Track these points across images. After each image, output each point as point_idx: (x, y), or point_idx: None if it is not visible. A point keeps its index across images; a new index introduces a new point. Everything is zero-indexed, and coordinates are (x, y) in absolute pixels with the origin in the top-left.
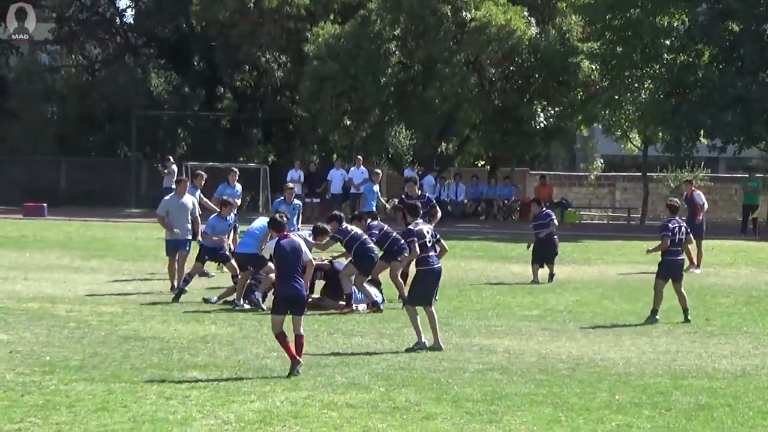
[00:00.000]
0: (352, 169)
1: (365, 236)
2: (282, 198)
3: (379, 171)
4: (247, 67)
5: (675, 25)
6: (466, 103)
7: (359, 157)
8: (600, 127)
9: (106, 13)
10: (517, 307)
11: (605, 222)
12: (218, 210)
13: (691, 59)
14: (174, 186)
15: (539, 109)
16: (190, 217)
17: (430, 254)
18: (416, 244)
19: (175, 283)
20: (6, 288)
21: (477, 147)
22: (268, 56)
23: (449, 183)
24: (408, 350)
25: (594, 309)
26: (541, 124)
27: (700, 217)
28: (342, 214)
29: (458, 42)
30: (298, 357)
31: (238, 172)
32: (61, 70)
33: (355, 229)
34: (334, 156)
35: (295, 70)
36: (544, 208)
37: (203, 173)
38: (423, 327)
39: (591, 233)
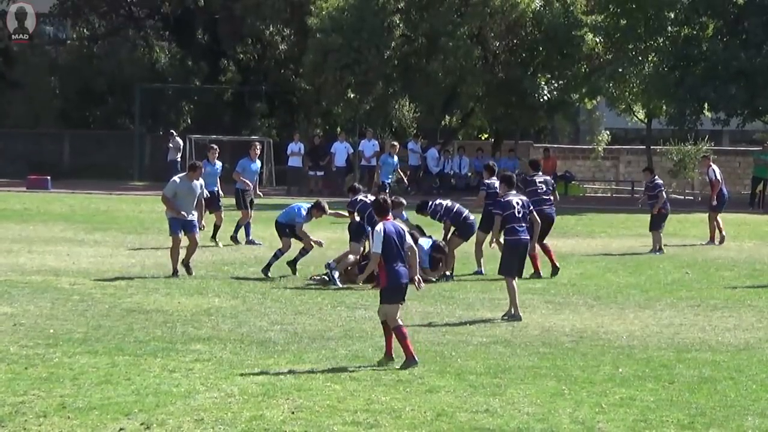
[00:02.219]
0: (363, 141)
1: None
2: (247, 157)
3: (396, 144)
4: (251, 39)
5: None
6: (469, 76)
7: (370, 129)
8: (604, 100)
9: None
10: (520, 280)
11: (609, 195)
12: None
13: (695, 32)
14: (178, 159)
15: (543, 82)
16: (195, 201)
17: (517, 224)
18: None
19: (177, 267)
20: (10, 261)
21: (481, 120)
22: (271, 29)
23: (453, 156)
24: (503, 318)
25: (597, 282)
26: (545, 97)
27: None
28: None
29: (462, 15)
30: (391, 353)
31: (260, 147)
32: (65, 42)
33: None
34: (338, 129)
35: (298, 43)
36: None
37: (215, 146)
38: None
39: (595, 206)
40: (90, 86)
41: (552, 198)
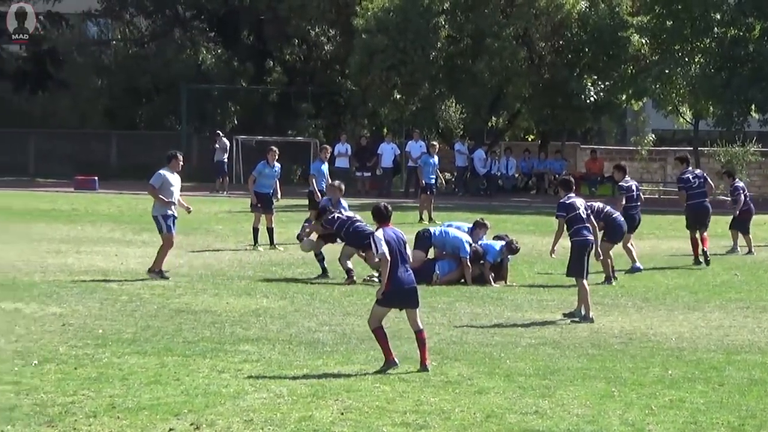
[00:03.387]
0: (409, 142)
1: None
2: (265, 160)
3: (436, 143)
4: (297, 40)
5: None
6: (515, 77)
7: (416, 130)
8: (650, 101)
9: None
10: (568, 282)
11: (656, 196)
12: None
13: (741, 33)
14: (225, 159)
15: (589, 83)
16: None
17: (583, 226)
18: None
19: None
20: (58, 261)
21: (527, 121)
22: (317, 30)
23: (500, 157)
24: (571, 319)
25: (646, 284)
26: (591, 99)
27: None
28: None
29: (507, 15)
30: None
31: (277, 152)
32: (111, 42)
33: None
34: (385, 130)
35: (344, 43)
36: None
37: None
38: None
39: (642, 207)
40: (136, 86)
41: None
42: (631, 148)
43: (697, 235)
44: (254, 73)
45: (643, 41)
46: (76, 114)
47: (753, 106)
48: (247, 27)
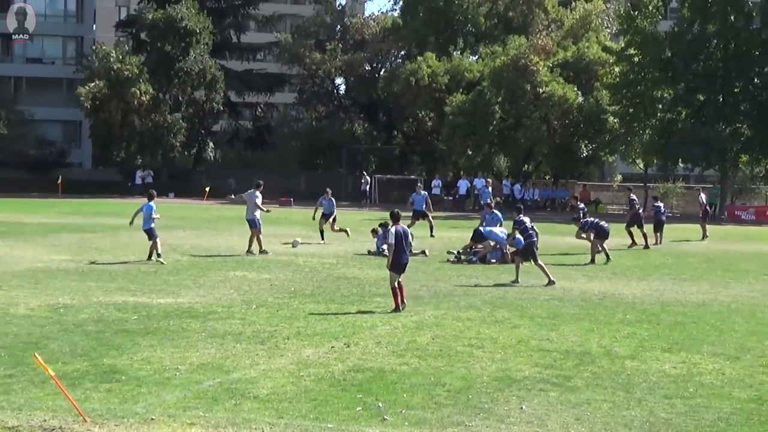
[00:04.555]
0: (476, 180)
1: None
2: (324, 195)
3: (490, 180)
4: (411, 119)
5: (664, 96)
6: (539, 142)
7: (480, 171)
8: (619, 156)
9: (328, 87)
10: (568, 262)
11: (622, 213)
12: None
13: (674, 116)
14: (367, 189)
15: (583, 146)
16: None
17: (530, 233)
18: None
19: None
20: (268, 247)
21: (546, 167)
22: (422, 113)
23: (529, 188)
24: (545, 286)
25: (614, 264)
26: (584, 154)
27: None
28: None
29: (535, 105)
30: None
31: (330, 192)
32: (302, 120)
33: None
34: (461, 172)
35: (438, 121)
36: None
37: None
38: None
39: (613, 219)
40: (316, 146)
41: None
42: (606, 183)
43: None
44: (385, 138)
45: (615, 120)
46: (281, 162)
47: (680, 160)
48: (382, 111)
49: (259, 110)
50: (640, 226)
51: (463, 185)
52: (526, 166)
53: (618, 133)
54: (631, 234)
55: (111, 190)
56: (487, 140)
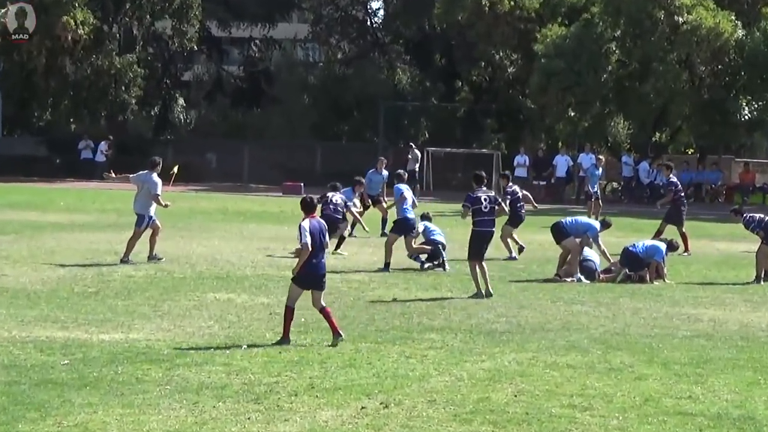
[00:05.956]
0: (581, 155)
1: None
2: (374, 169)
3: (602, 157)
4: (483, 63)
5: None
6: (678, 97)
7: (588, 144)
8: None
9: (358, 14)
10: (721, 281)
11: None
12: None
13: None
14: (416, 169)
15: (744, 103)
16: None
17: (483, 218)
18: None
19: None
20: (267, 257)
21: (687, 136)
22: (501, 54)
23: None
24: (470, 297)
25: None
26: (746, 117)
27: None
28: None
29: (671, 42)
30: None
31: (385, 161)
32: (318, 64)
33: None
34: (559, 143)
35: (525, 66)
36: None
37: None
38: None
39: None
40: (339, 103)
41: None
42: None
43: None
44: (444, 91)
45: None
46: (286, 127)
47: None
48: (439, 51)
49: (254, 49)
50: None
51: (562, 163)
52: (657, 134)
53: None
54: None
55: (30, 169)
56: (599, 95)
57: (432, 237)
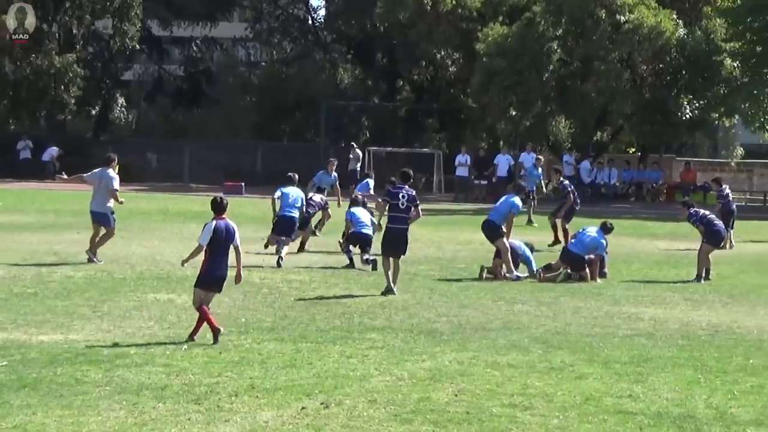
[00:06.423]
0: (522, 154)
1: None
2: (324, 170)
3: (541, 157)
4: (424, 62)
5: None
6: (619, 96)
7: (529, 143)
8: (740, 118)
9: (299, 13)
10: (662, 279)
11: (743, 204)
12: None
13: None
14: (357, 168)
15: (685, 102)
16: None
17: (397, 215)
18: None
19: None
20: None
21: (629, 136)
22: (442, 53)
23: (604, 168)
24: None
25: (732, 282)
26: (687, 116)
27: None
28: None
29: (613, 41)
30: (199, 328)
31: (336, 162)
32: (259, 64)
33: None
34: (501, 143)
35: (466, 66)
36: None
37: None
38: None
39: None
40: (280, 103)
41: None
42: (721, 160)
43: None
44: (386, 91)
45: (735, 65)
46: (227, 127)
47: None
48: (380, 50)
49: (195, 49)
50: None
51: (503, 162)
52: (599, 133)
53: (739, 84)
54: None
55: None
56: (541, 94)
57: (360, 230)
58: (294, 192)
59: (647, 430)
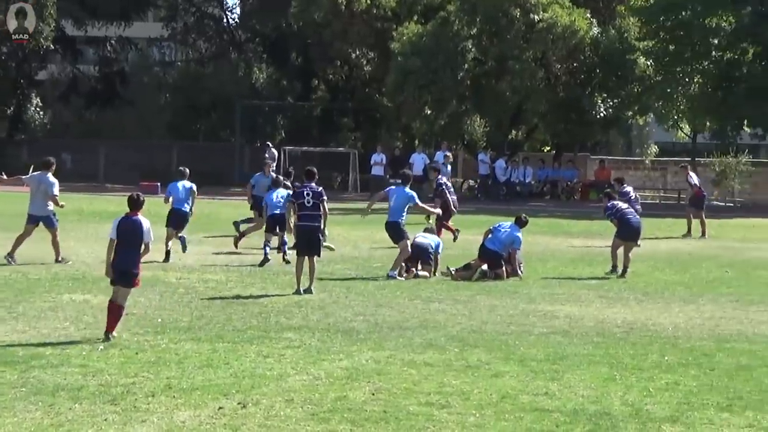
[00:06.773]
0: (437, 153)
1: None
2: (261, 172)
3: (449, 154)
4: (339, 62)
5: (723, 25)
6: (534, 95)
7: (444, 142)
8: (653, 117)
9: (214, 12)
10: (577, 277)
11: (657, 202)
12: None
13: (736, 56)
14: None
15: (599, 101)
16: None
17: (305, 213)
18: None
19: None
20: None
21: (543, 134)
22: (357, 53)
23: (519, 166)
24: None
25: (646, 279)
26: (601, 114)
27: (701, 194)
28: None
29: (527, 41)
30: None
31: (272, 164)
32: (174, 63)
33: None
34: (416, 142)
35: (381, 65)
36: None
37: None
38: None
39: (645, 212)
40: (196, 103)
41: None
42: (635, 158)
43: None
44: (301, 90)
45: (648, 63)
46: (141, 127)
47: (746, 122)
48: (295, 49)
49: (109, 49)
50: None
51: (418, 161)
52: (513, 132)
53: (653, 83)
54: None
55: None
56: (456, 93)
57: (272, 212)
58: (185, 185)
59: (563, 428)
